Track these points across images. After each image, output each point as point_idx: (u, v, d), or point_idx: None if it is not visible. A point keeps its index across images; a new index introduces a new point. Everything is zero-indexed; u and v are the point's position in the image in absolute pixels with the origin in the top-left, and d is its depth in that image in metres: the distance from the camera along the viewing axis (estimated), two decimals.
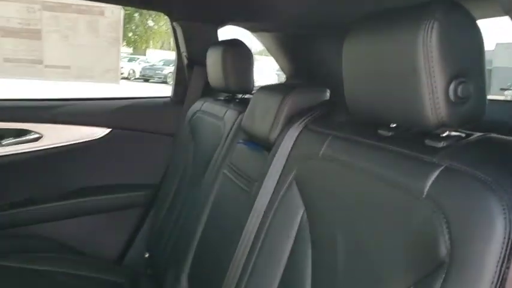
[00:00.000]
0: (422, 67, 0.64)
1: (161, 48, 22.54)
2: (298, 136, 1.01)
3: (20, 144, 1.74)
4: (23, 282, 1.53)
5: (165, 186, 1.81)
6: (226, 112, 1.49)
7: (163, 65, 15.23)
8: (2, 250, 1.70)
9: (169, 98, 2.06)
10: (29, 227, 1.78)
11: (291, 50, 2.04)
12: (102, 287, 1.63)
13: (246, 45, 1.53)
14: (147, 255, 1.75)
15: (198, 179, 1.47)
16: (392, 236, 0.68)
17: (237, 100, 1.55)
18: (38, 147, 1.77)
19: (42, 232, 1.80)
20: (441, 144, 0.68)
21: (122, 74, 13.54)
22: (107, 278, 1.69)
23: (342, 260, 0.77)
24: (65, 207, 1.83)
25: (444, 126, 0.66)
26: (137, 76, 15.35)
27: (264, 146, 1.14)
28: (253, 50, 1.63)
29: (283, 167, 1.00)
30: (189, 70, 1.94)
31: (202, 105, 1.72)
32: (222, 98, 1.66)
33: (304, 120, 1.04)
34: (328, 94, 1.14)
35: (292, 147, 1.01)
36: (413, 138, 0.75)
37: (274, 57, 2.13)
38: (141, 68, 15.71)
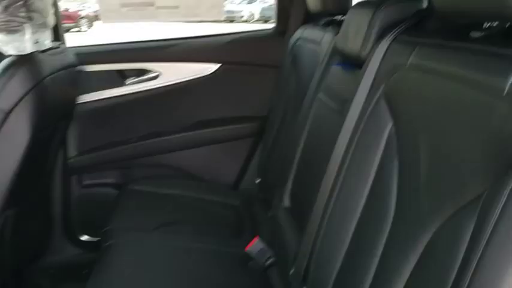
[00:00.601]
0: None
1: None
2: (387, 49, 0.98)
3: (141, 83, 1.93)
4: (153, 203, 1.76)
5: (272, 116, 1.87)
6: (323, 36, 1.47)
7: None
8: (134, 177, 1.95)
9: (272, 30, 2.07)
10: (155, 157, 1.99)
11: None
12: (220, 209, 1.80)
13: None
14: (258, 181, 1.87)
15: (298, 107, 1.51)
16: (472, 138, 0.64)
17: (335, 23, 1.52)
18: (157, 84, 1.94)
19: (167, 161, 2.01)
20: None
21: (241, 17, 13.74)
22: (225, 201, 1.86)
23: (426, 168, 0.76)
24: (185, 138, 2.00)
25: None
26: (256, 18, 15.43)
27: (357, 64, 1.12)
28: None
29: (372, 83, 0.98)
30: None
31: (303, 32, 1.71)
32: (322, 23, 1.63)
33: (394, 32, 0.99)
34: (424, 3, 1.06)
35: (381, 62, 0.98)
36: (507, 35, 0.68)
37: None
38: (260, 8, 15.72)
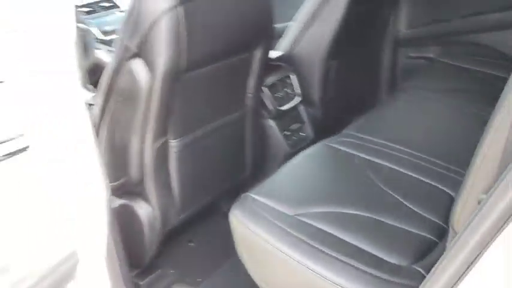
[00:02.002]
0: None
1: None
2: None
3: None
4: (449, 73, 1.98)
5: None
6: None
7: None
8: (451, 52, 2.16)
9: None
10: (472, 35, 2.12)
11: None
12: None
13: None
14: None
15: None
16: None
17: None
18: None
19: (482, 40, 2.10)
20: None
21: None
22: None
23: None
24: (504, 18, 2.02)
25: None
26: None
27: None
28: None
29: None
30: None
31: None
32: None
33: None
34: None
35: None
36: None
37: None
38: None
